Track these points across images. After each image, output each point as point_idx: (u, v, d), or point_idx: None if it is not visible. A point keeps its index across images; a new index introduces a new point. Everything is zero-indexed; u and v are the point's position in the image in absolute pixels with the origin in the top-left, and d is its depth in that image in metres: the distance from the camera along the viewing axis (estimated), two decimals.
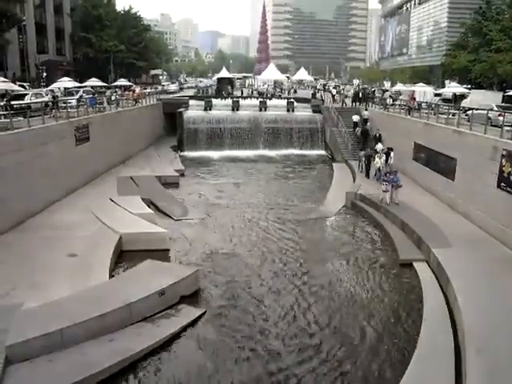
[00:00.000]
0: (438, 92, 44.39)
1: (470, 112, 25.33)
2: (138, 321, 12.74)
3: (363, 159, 29.78)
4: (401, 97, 44.85)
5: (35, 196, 20.24)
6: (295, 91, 60.81)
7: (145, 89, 52.62)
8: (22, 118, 21.82)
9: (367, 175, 28.99)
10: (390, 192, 22.92)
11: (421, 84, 50.35)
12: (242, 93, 55.46)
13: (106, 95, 35.67)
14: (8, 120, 20.30)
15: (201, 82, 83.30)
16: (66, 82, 37.04)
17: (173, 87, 66.78)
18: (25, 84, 41.40)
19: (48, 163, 21.58)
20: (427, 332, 12.37)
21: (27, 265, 15.12)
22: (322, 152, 41.33)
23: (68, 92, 31.55)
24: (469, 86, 51.34)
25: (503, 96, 34.67)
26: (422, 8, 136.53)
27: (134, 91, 43.28)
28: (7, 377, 10.14)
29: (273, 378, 11.09)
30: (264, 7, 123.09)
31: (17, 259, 15.52)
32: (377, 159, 27.64)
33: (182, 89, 70.01)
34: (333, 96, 49.36)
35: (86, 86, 40.32)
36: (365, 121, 37.87)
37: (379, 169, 27.18)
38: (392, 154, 28.70)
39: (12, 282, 13.89)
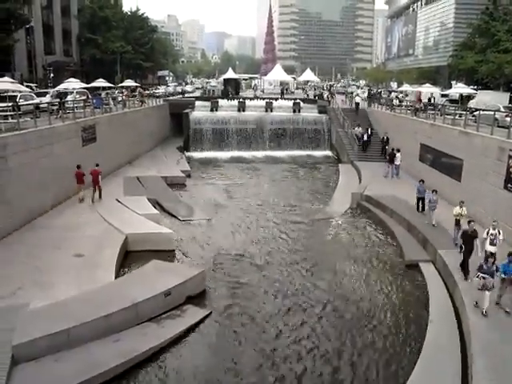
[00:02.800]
0: (444, 93, 44.22)
1: (476, 113, 25.21)
2: (144, 321, 12.78)
3: (461, 242, 15.48)
4: (407, 98, 44.77)
5: (42, 196, 20.35)
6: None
7: (144, 89, 51.39)
8: (29, 119, 21.90)
9: (466, 272, 14.86)
10: (491, 291, 12.48)
11: (427, 85, 50.19)
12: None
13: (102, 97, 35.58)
14: (15, 120, 20.36)
15: (208, 83, 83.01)
16: (72, 83, 37.11)
17: (161, 90, 57.22)
18: (32, 85, 41.60)
19: (55, 163, 21.67)
20: (433, 332, 12.35)
21: (34, 264, 15.20)
22: (328, 153, 41.31)
23: (62, 93, 31.40)
24: (475, 87, 51.08)
25: (510, 97, 34.51)
26: (429, 8, 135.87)
27: (140, 93, 43.34)
28: (14, 376, 10.20)
29: (278, 379, 11.08)
30: (270, 8, 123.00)
31: (24, 259, 15.60)
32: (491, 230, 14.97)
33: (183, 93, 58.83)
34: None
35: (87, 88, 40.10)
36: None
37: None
38: (398, 154, 28.61)
39: (19, 281, 13.97)
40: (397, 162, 28.83)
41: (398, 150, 28.92)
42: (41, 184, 20.21)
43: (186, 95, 56.20)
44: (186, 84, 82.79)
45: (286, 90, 62.40)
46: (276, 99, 48.54)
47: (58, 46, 65.92)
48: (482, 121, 22.86)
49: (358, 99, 43.71)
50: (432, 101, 33.51)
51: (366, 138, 35.72)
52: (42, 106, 25.25)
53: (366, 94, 54.17)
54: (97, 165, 23.12)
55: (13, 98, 25.69)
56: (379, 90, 66.39)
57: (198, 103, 45.28)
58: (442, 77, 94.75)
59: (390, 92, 57.58)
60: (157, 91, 54.51)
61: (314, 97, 52.87)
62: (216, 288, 15.52)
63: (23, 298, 13.01)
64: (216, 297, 14.97)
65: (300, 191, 28.96)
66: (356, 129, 36.58)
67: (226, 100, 47.18)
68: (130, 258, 17.57)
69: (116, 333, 12.01)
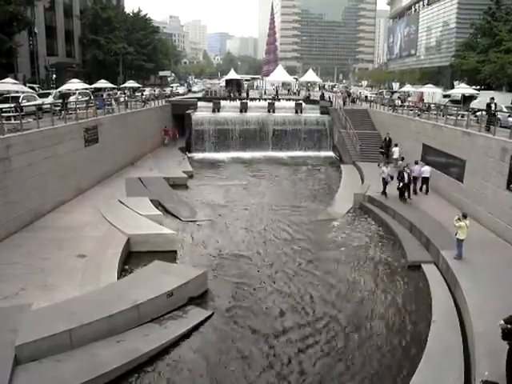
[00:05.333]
0: (446, 93, 44.17)
1: (479, 113, 25.16)
2: (146, 322, 12.79)
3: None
4: (409, 98, 44.70)
5: (45, 197, 20.41)
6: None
7: (134, 92, 50.35)
8: (31, 120, 21.95)
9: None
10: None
11: (429, 85, 50.17)
12: (248, 95, 55.36)
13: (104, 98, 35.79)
14: (18, 121, 20.41)
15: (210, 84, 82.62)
16: (75, 84, 37.21)
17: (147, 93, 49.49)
18: (35, 86, 41.74)
19: (57, 164, 21.76)
20: (436, 334, 12.32)
21: (37, 265, 15.25)
22: (330, 153, 41.28)
23: (64, 94, 31.49)
24: (478, 87, 50.97)
25: None
26: (431, 9, 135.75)
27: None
28: (16, 376, 10.22)
29: (280, 380, 11.08)
30: (272, 9, 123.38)
31: (27, 259, 15.64)
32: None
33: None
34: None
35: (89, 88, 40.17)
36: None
37: None
38: (396, 149, 29.03)
39: (22, 282, 14.02)
40: (394, 156, 29.21)
41: (396, 145, 29.33)
42: (44, 184, 20.28)
43: (186, 96, 55.79)
44: (182, 85, 79.65)
45: (288, 90, 62.37)
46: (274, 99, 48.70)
47: (60, 47, 66.10)
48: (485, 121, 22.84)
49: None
50: (493, 107, 24.98)
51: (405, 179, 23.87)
52: (44, 106, 25.34)
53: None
54: (174, 126, 42.00)
55: (15, 99, 25.76)
56: (381, 91, 66.29)
57: (200, 104, 45.30)
58: (445, 77, 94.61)
59: (392, 93, 57.46)
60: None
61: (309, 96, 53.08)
62: (218, 289, 15.51)
63: (26, 298, 13.05)
64: (218, 297, 14.97)
65: (302, 192, 28.94)
66: (383, 168, 25.33)
67: (228, 101, 47.19)
68: (132, 258, 17.60)
69: (118, 333, 12.02)
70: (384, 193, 24.75)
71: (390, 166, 26.21)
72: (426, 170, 24.93)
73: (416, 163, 25.28)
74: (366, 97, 51.22)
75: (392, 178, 24.66)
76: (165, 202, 24.49)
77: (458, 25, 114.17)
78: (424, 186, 25.11)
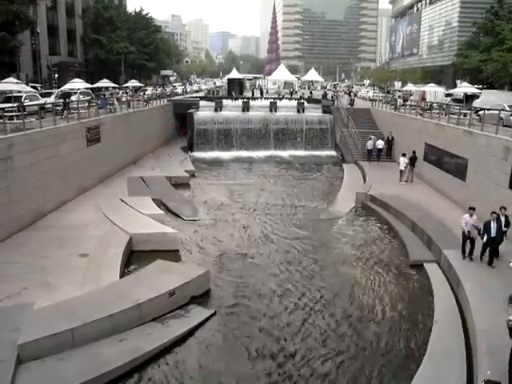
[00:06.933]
0: (448, 92, 44.09)
1: (481, 112, 25.08)
2: (148, 321, 12.79)
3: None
4: (411, 97, 44.59)
5: (47, 196, 20.43)
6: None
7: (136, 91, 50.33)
8: (34, 119, 21.98)
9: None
10: None
11: (432, 84, 50.08)
12: (253, 94, 55.54)
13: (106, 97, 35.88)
14: (20, 121, 20.43)
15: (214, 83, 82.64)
16: (77, 84, 37.25)
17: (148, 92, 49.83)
18: (37, 85, 41.83)
19: (59, 164, 21.77)
20: (438, 333, 12.30)
21: (39, 264, 15.26)
22: (332, 153, 41.26)
23: (66, 94, 31.46)
24: (480, 86, 50.90)
25: None
26: (433, 8, 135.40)
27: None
28: (19, 375, 10.22)
29: (281, 380, 11.08)
30: (274, 8, 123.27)
31: (29, 259, 15.66)
32: None
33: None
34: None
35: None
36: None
37: None
38: (401, 159, 28.09)
39: (24, 281, 14.03)
40: (401, 167, 28.14)
41: (404, 154, 28.28)
42: (46, 184, 20.30)
43: (188, 96, 55.93)
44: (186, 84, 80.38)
45: (291, 91, 62.14)
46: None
47: (62, 46, 66.23)
48: (488, 120, 22.78)
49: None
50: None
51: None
52: (46, 106, 25.37)
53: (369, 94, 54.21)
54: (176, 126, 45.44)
55: (18, 99, 25.79)
56: (387, 91, 66.25)
57: (202, 103, 45.30)
58: (447, 76, 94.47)
59: (390, 92, 57.39)
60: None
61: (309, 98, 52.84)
62: (220, 288, 15.52)
63: (28, 297, 13.06)
64: (220, 297, 14.97)
65: (304, 191, 28.91)
66: (465, 216, 16.30)
67: (230, 100, 47.20)
68: (134, 257, 17.60)
69: (120, 332, 12.02)
70: (463, 252, 16.30)
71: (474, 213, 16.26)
72: (380, 143, 33.11)
73: (369, 139, 33.75)
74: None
75: (479, 230, 15.68)
76: (167, 201, 24.49)
77: (460, 24, 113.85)
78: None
